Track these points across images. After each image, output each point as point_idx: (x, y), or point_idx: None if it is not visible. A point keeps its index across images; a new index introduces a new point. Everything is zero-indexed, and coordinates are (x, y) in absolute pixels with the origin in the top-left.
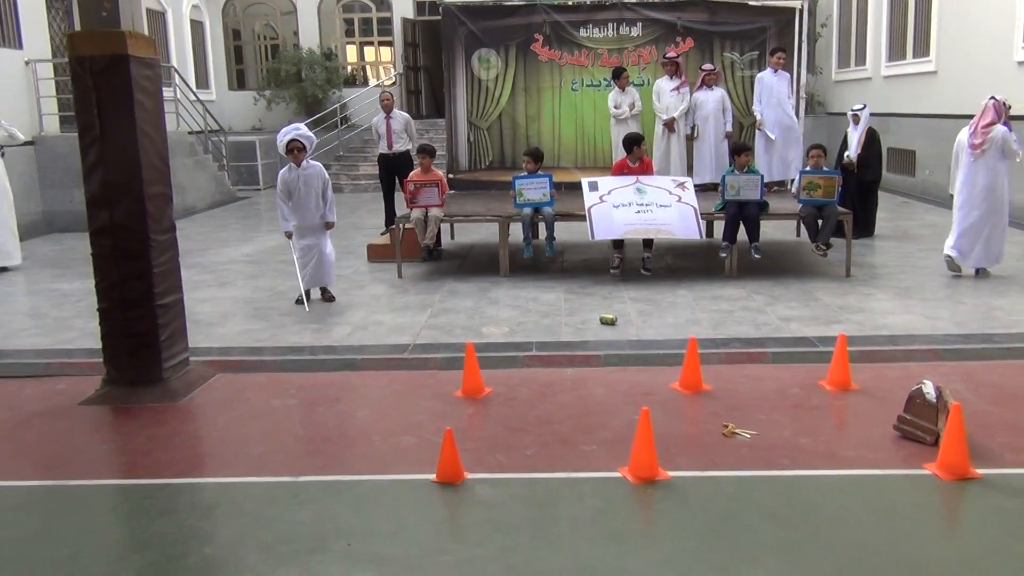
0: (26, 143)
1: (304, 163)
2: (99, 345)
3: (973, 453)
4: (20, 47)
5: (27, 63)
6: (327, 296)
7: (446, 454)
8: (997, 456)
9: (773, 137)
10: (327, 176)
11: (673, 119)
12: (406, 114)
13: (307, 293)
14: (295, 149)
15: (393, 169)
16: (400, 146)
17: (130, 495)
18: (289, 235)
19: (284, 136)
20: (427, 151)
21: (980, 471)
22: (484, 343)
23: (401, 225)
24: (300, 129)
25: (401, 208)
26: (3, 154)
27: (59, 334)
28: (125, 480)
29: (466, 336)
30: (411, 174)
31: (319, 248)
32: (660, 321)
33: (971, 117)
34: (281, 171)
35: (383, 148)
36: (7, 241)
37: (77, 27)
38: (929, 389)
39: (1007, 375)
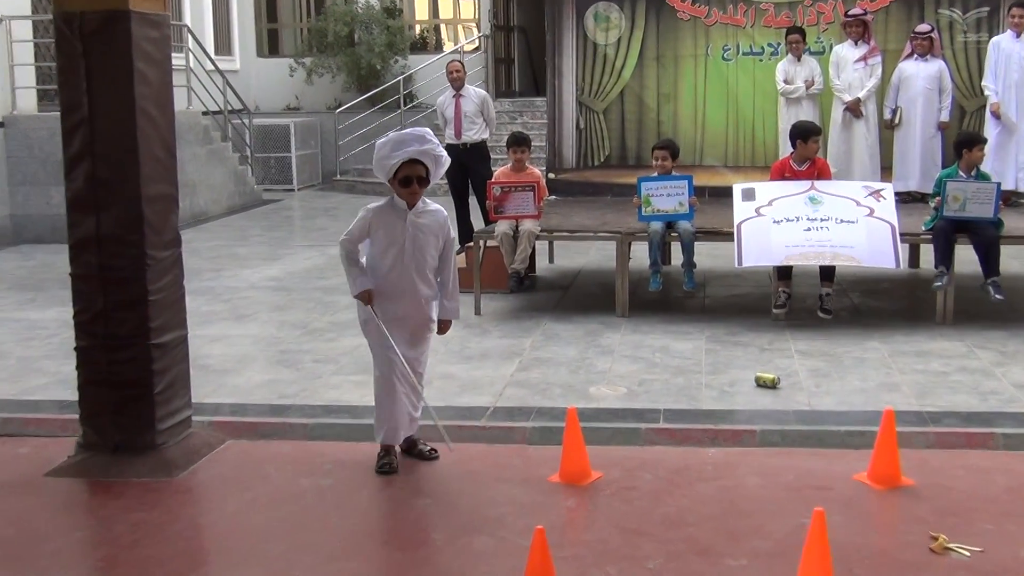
0: None
1: (420, 202)
2: (75, 397)
3: None
4: None
5: (0, 21)
6: (421, 451)
7: (536, 564)
8: None
9: (1015, 126)
10: (451, 231)
11: (858, 101)
12: (483, 91)
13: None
14: (416, 178)
15: (464, 166)
16: (473, 134)
17: None
18: (367, 299)
19: (398, 149)
20: (520, 141)
21: None
22: (592, 409)
23: (481, 243)
24: (427, 140)
25: (478, 218)
26: None
27: (23, 380)
28: None
29: (568, 398)
30: (497, 172)
31: (418, 365)
32: (842, 385)
33: None
34: (371, 207)
35: (450, 137)
36: None
37: None
38: None
39: None
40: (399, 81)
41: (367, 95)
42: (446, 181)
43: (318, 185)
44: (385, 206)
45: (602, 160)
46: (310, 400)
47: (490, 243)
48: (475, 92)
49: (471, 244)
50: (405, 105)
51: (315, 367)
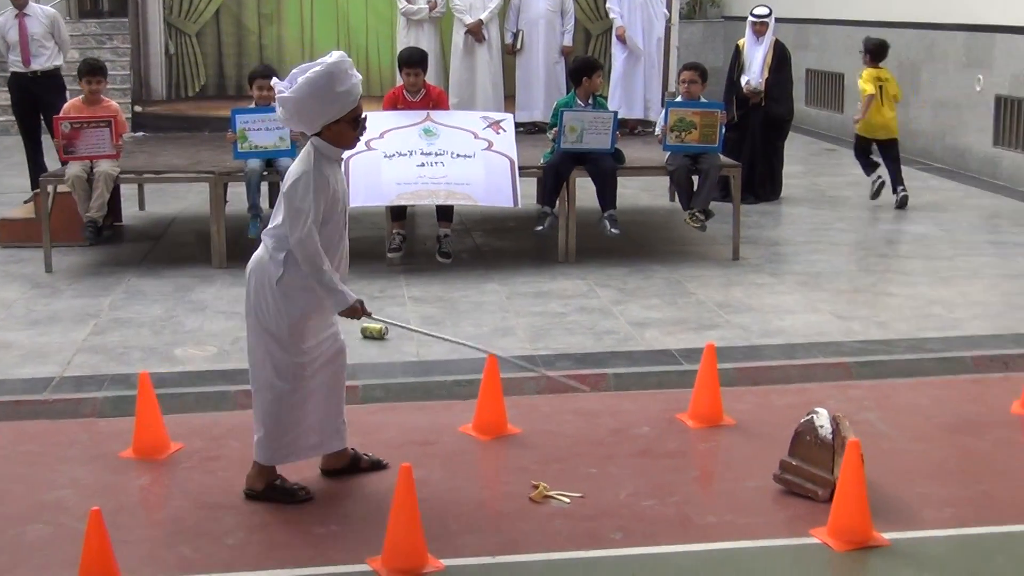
0: None
1: None
2: None
3: (880, 511)
4: None
5: None
6: (363, 461)
7: (93, 550)
8: (912, 514)
9: (641, 52)
10: None
11: (480, 23)
12: (51, 10)
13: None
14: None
15: (35, 99)
16: (44, 61)
17: None
18: (360, 311)
19: (345, 83)
20: (95, 70)
21: (886, 536)
22: (176, 373)
23: (50, 189)
24: (354, 68)
25: (53, 159)
26: None
27: None
28: None
29: (149, 362)
30: (67, 106)
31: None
32: (455, 332)
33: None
34: (307, 166)
35: (16, 65)
36: None
37: None
38: (823, 422)
39: (939, 397)
40: None
41: None
42: (12, 117)
43: None
44: (318, 160)
45: (197, 90)
46: None
47: (61, 188)
48: (42, 11)
49: (39, 191)
50: None
51: None
